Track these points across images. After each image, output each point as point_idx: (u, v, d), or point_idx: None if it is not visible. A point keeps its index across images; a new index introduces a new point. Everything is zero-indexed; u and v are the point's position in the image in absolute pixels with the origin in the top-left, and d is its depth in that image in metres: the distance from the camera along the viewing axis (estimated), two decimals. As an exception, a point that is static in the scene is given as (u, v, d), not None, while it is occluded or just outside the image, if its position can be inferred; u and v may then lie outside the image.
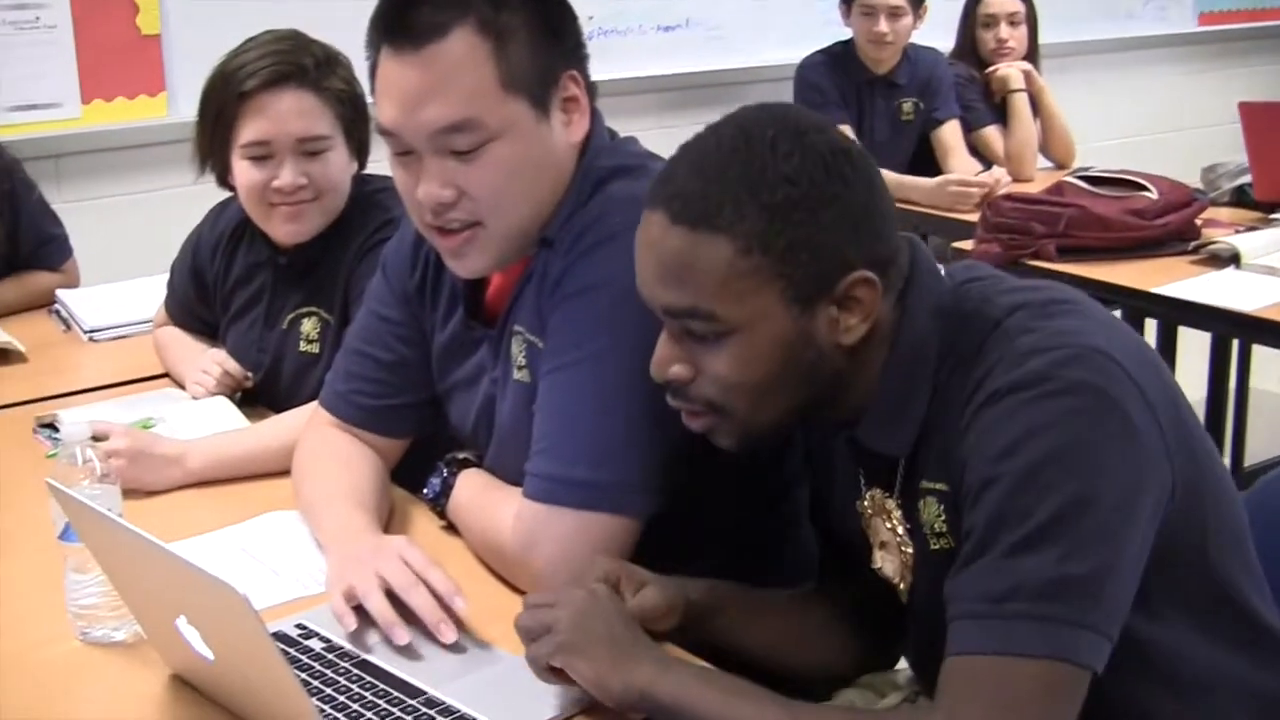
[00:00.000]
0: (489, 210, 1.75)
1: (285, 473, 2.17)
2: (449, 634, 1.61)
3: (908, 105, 4.93)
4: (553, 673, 1.47)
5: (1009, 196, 3.96)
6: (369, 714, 1.49)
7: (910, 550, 1.54)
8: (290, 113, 2.34)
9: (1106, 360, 1.36)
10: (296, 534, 2.01)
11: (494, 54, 1.70)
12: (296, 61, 2.35)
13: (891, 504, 1.55)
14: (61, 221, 3.48)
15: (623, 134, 1.91)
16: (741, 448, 1.52)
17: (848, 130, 4.73)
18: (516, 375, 1.84)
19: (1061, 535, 1.30)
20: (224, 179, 2.48)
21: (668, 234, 1.44)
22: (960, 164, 4.83)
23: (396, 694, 1.52)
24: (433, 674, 1.57)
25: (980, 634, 1.32)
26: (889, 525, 1.56)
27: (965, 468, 1.39)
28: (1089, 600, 1.31)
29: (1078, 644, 1.30)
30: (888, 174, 4.52)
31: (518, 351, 1.84)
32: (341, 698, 1.52)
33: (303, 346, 2.49)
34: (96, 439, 2.12)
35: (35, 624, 1.74)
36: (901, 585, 1.58)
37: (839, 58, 4.88)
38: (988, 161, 4.97)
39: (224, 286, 2.67)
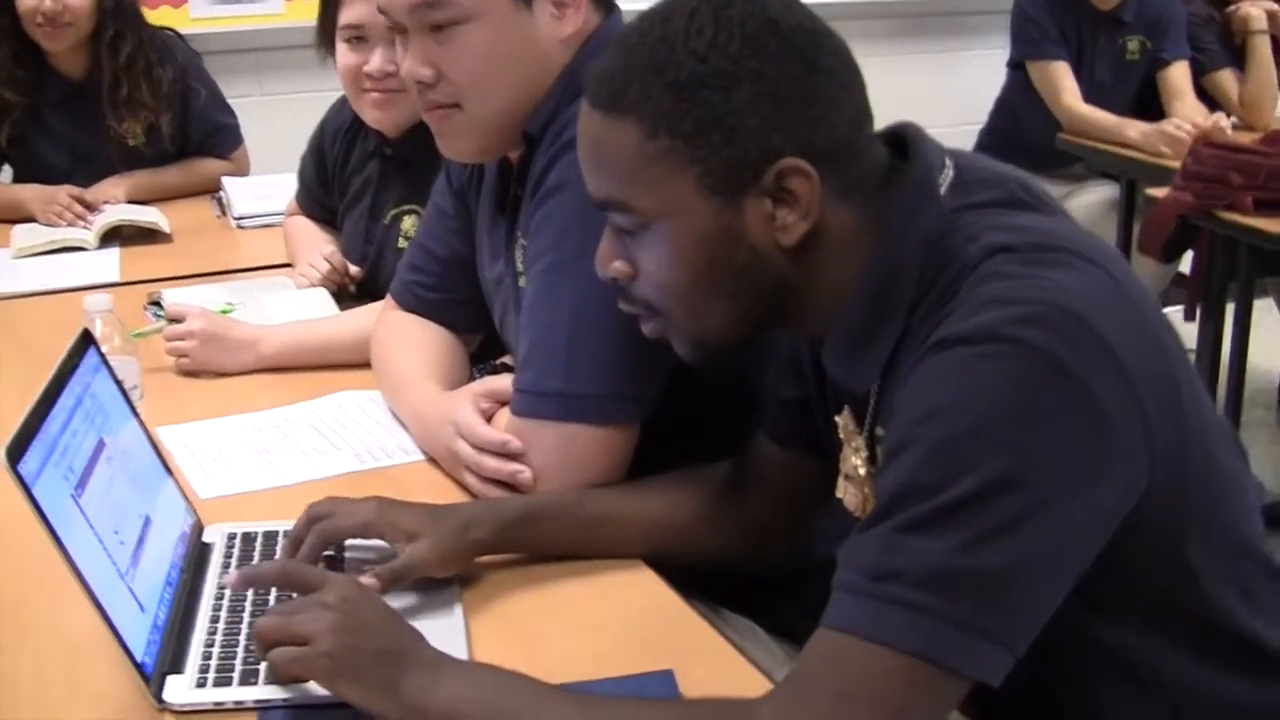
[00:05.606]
0: (465, 94, 1.75)
1: (357, 364, 2.21)
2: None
3: (1133, 44, 4.67)
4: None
5: (1210, 143, 3.74)
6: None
7: (869, 491, 1.44)
8: None
9: (1080, 326, 1.16)
10: (366, 412, 2.07)
11: None
12: None
13: (859, 441, 1.44)
14: (234, 112, 3.65)
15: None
16: (697, 358, 1.42)
17: (1062, 68, 4.58)
18: (521, 282, 1.83)
19: (968, 520, 1.12)
20: None
21: (588, 120, 1.35)
22: (1187, 109, 4.55)
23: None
24: None
25: (852, 610, 1.16)
26: (854, 461, 1.46)
27: (892, 420, 1.23)
28: (982, 600, 1.12)
29: (955, 646, 1.12)
30: (1104, 115, 4.46)
31: (519, 257, 1.82)
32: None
33: (401, 244, 2.53)
34: (173, 320, 2.23)
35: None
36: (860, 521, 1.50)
37: (1061, -10, 4.66)
38: (1224, 109, 4.70)
39: (342, 173, 2.75)
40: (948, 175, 1.33)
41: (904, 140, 1.37)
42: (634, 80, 1.30)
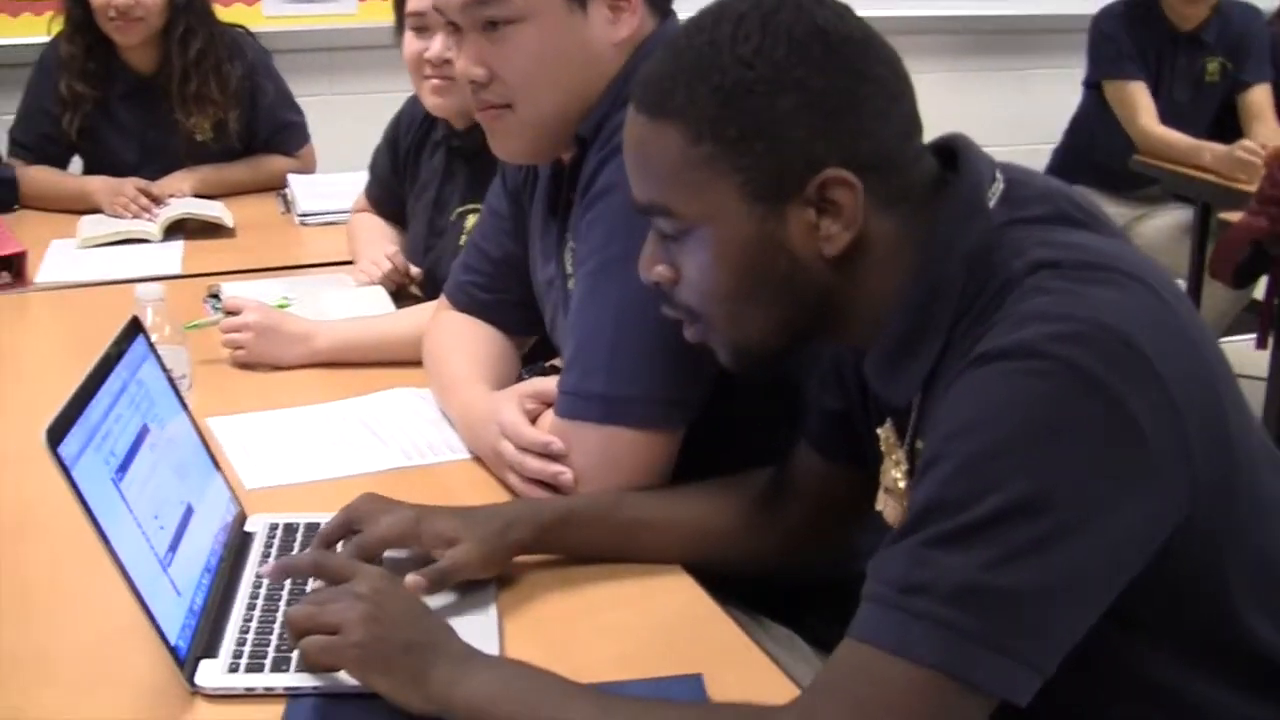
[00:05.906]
0: (517, 94, 1.74)
1: (410, 362, 2.20)
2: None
3: (1213, 65, 4.60)
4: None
5: (1288, 167, 3.68)
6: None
7: (908, 505, 1.39)
8: None
9: (1121, 345, 1.13)
10: (416, 410, 2.06)
11: None
12: None
13: (900, 454, 1.41)
14: (301, 110, 3.69)
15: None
16: (737, 366, 1.41)
17: (1139, 88, 4.50)
18: (570, 284, 1.81)
19: (996, 538, 1.10)
20: None
21: (633, 124, 1.35)
22: (1268, 132, 4.45)
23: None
24: None
25: (879, 622, 1.15)
26: (895, 474, 1.43)
27: (930, 434, 1.22)
28: (1009, 618, 1.11)
29: (978, 662, 1.10)
30: (1180, 137, 4.39)
31: (569, 260, 1.82)
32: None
33: (463, 243, 2.52)
34: (229, 313, 2.24)
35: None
36: None
37: (1140, 9, 4.59)
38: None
39: (414, 163, 2.78)
40: (997, 189, 1.31)
41: (954, 152, 1.34)
42: (679, 85, 1.29)
